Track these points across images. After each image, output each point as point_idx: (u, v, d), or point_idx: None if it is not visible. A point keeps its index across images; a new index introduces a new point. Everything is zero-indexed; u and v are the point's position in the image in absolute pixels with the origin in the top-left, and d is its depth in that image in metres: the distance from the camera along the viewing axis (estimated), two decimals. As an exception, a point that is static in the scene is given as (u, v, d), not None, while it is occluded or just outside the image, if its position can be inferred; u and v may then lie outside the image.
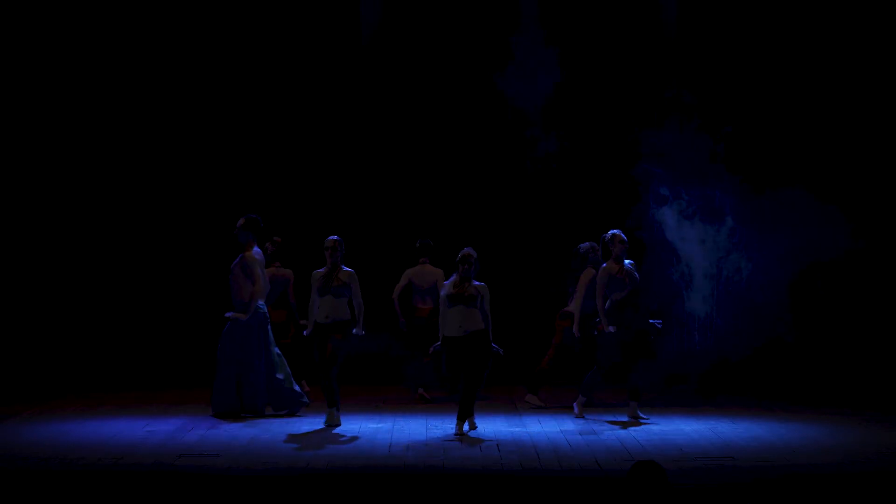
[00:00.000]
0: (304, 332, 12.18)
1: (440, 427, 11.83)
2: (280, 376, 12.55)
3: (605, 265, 12.38)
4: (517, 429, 11.75)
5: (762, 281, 14.38)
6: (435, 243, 14.13)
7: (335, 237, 12.09)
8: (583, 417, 12.35)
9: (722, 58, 15.04)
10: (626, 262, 12.40)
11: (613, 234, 12.36)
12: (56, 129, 15.38)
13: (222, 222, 15.35)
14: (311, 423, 11.88)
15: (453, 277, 11.56)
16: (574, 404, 12.51)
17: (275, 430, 11.60)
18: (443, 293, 11.59)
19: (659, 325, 12.50)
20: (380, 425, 11.96)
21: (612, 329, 12.12)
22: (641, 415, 12.22)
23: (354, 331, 11.96)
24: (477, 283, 11.53)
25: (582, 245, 13.25)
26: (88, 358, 15.19)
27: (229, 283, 12.52)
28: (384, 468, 9.81)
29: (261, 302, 12.60)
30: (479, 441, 11.07)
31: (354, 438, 11.22)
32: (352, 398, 13.35)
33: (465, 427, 11.55)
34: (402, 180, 15.63)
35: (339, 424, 11.84)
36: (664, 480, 6.66)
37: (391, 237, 15.39)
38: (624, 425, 11.91)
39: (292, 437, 11.25)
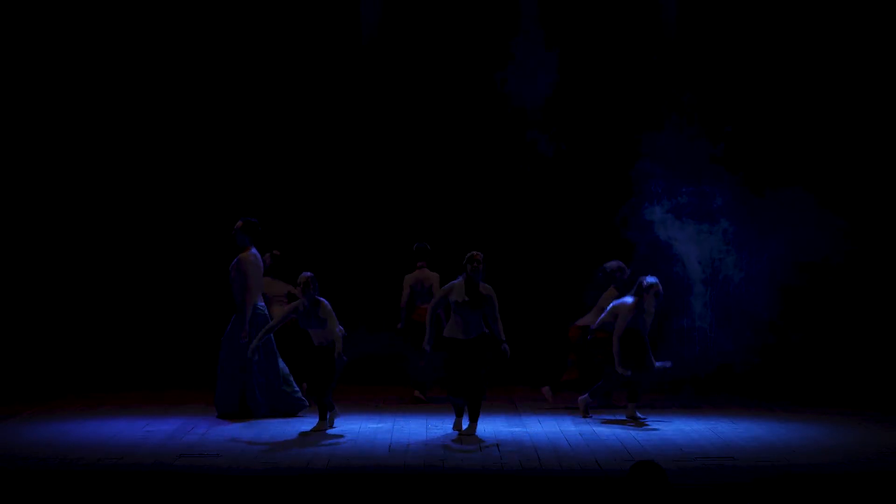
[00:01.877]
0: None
1: (440, 427, 11.83)
2: (279, 380, 12.54)
3: (632, 301, 12.29)
4: (517, 429, 11.75)
5: (760, 281, 14.37)
6: (434, 243, 14.13)
7: (309, 274, 11.71)
8: (589, 417, 12.35)
9: (722, 58, 15.03)
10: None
11: (651, 285, 12.23)
12: (57, 129, 15.38)
13: (221, 223, 15.37)
14: (310, 424, 11.87)
15: (460, 279, 11.49)
16: (578, 401, 12.52)
17: (275, 431, 11.60)
18: (451, 299, 11.49)
19: (669, 366, 12.43)
20: (380, 425, 11.96)
21: (628, 373, 12.14)
22: (639, 415, 12.23)
23: (336, 357, 11.65)
24: (484, 284, 11.49)
25: (609, 264, 13.17)
26: (88, 358, 15.19)
27: (230, 285, 12.53)
28: (384, 468, 9.80)
29: (261, 304, 12.59)
30: (479, 441, 11.07)
31: (354, 438, 11.22)
32: (352, 398, 13.35)
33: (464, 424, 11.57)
34: (401, 180, 15.62)
35: (339, 415, 11.87)
36: (664, 480, 6.66)
37: (390, 237, 15.39)
38: (624, 425, 11.92)
39: (292, 438, 11.25)
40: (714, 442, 11.01)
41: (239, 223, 12.55)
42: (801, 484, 8.36)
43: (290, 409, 12.53)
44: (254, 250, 12.53)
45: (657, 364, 12.26)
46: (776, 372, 14.55)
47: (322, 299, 11.70)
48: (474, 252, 11.48)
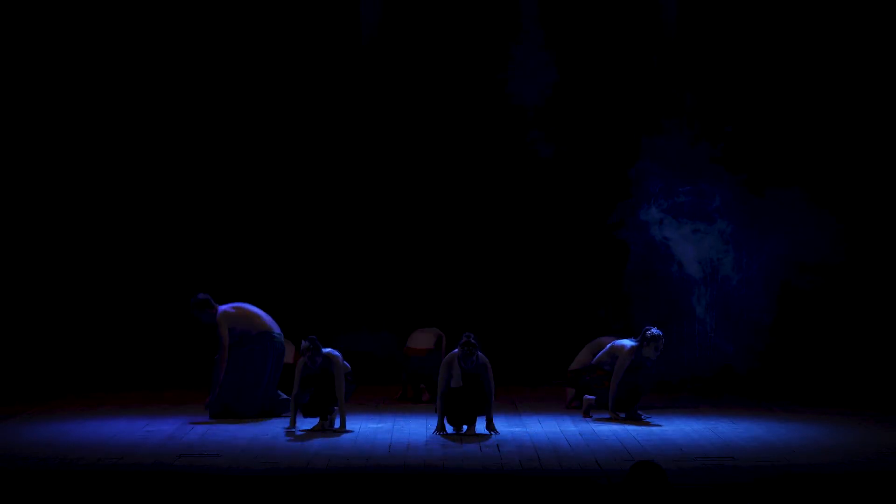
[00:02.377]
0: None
1: (440, 427, 11.84)
2: (276, 384, 12.60)
3: (631, 346, 12.29)
4: (517, 429, 11.75)
5: (759, 282, 14.37)
6: (434, 243, 14.12)
7: (307, 343, 11.63)
8: (590, 417, 12.35)
9: (722, 59, 15.03)
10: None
11: (654, 336, 12.19)
12: (58, 129, 15.37)
13: (221, 223, 15.39)
14: (310, 423, 11.87)
15: (457, 354, 11.48)
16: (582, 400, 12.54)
17: (275, 430, 11.60)
18: (453, 384, 11.48)
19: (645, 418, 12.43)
20: (380, 425, 11.96)
21: (622, 415, 12.24)
22: (641, 414, 12.23)
23: (337, 423, 11.72)
24: (480, 356, 11.48)
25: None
26: (88, 358, 15.19)
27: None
28: (384, 468, 9.81)
29: (278, 331, 12.65)
30: (479, 441, 11.08)
31: (354, 438, 11.22)
32: (351, 398, 13.33)
33: (465, 428, 11.59)
34: (401, 179, 15.61)
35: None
36: (664, 480, 6.66)
37: (390, 235, 15.40)
38: (624, 424, 11.92)
39: (292, 437, 11.25)
40: (714, 442, 11.01)
41: (191, 306, 12.47)
42: (801, 484, 8.36)
43: (280, 411, 12.55)
44: (221, 308, 12.50)
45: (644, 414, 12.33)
46: (776, 372, 14.56)
47: (330, 352, 11.70)
48: (467, 340, 11.41)
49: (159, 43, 15.40)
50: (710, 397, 13.83)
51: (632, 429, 11.72)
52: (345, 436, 11.35)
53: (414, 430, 11.72)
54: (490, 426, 11.43)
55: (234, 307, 12.60)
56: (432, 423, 12.10)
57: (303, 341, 11.71)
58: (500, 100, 15.31)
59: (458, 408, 11.44)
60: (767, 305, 14.40)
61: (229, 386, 12.40)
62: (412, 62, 15.58)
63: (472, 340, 11.42)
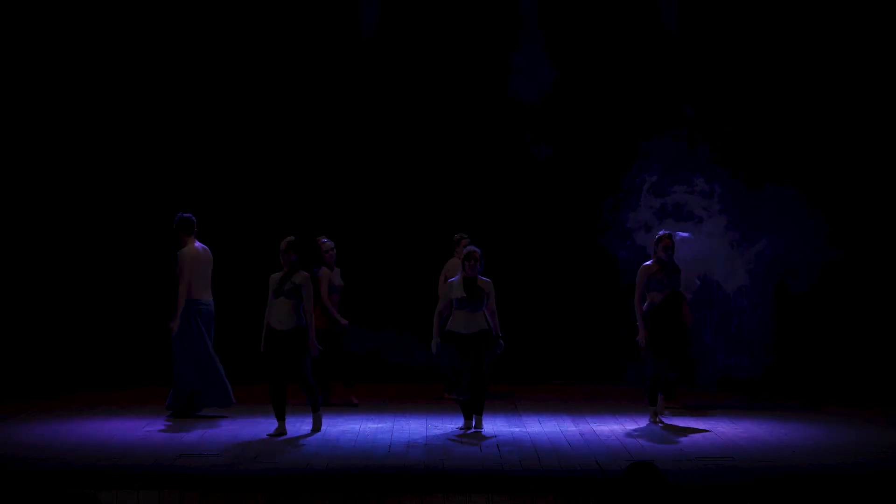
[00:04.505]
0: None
1: (440, 427, 11.84)
2: (219, 369, 12.45)
3: (646, 263, 12.17)
4: (517, 429, 11.75)
5: (757, 283, 14.36)
6: (434, 239, 14.14)
7: (290, 238, 11.54)
8: (660, 423, 12.04)
9: (721, 61, 15.04)
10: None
11: (658, 238, 12.07)
12: (53, 130, 15.35)
13: (221, 221, 15.38)
14: (310, 423, 11.86)
15: (458, 276, 11.50)
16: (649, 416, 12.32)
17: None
18: (452, 296, 11.50)
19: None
20: (380, 425, 11.97)
21: (643, 340, 11.96)
22: (662, 418, 12.07)
23: (309, 354, 11.48)
24: (483, 278, 11.50)
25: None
26: (88, 358, 15.18)
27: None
28: (384, 468, 9.81)
29: (207, 299, 12.45)
30: (479, 441, 11.08)
31: (354, 438, 11.22)
32: (352, 396, 13.34)
33: (473, 423, 11.59)
34: (400, 177, 15.61)
35: (320, 429, 11.61)
36: (660, 480, 6.65)
37: (389, 235, 15.41)
38: (623, 425, 11.91)
39: (292, 437, 11.25)
40: (714, 442, 11.01)
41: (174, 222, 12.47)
42: (801, 484, 8.36)
43: (218, 403, 12.44)
44: (198, 244, 12.41)
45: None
46: (776, 372, 14.55)
47: (305, 275, 11.45)
48: (471, 249, 11.48)
49: (159, 37, 15.38)
50: (709, 398, 13.82)
51: (632, 429, 11.73)
52: (345, 436, 11.34)
53: (414, 430, 11.72)
54: (492, 342, 11.41)
55: (198, 254, 12.36)
56: (432, 422, 12.12)
57: (287, 238, 11.51)
58: (499, 100, 15.30)
59: (462, 354, 11.38)
60: (766, 306, 14.38)
61: (186, 366, 12.28)
62: (410, 59, 15.56)
63: (474, 248, 11.41)
